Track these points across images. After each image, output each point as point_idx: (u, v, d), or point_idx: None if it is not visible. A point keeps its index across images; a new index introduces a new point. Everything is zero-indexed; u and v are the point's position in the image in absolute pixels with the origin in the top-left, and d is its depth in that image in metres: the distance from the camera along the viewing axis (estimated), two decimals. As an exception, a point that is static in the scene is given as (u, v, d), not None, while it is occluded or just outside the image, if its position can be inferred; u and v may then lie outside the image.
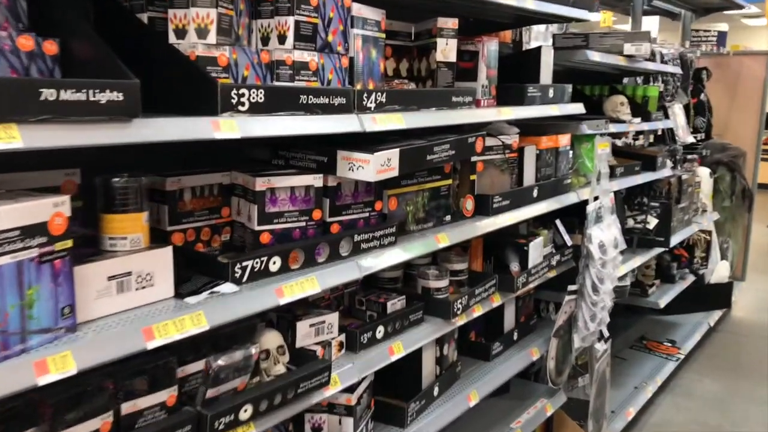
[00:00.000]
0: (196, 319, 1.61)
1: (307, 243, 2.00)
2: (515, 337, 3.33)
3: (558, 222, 3.50)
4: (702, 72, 6.31)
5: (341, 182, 2.17)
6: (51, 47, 1.48)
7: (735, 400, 4.83)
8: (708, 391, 4.97)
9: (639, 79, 5.19)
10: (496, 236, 2.99)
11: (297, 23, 1.87)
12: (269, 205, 1.99)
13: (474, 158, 2.74)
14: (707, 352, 5.67)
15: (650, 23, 7.61)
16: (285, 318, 2.14)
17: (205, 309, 1.64)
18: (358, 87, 2.13)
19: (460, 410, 2.72)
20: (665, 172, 4.75)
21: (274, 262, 1.89)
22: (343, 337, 2.24)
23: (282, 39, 1.87)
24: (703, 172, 5.73)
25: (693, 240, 5.67)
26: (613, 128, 3.90)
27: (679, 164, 5.11)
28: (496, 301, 2.91)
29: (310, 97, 1.85)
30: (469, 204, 2.75)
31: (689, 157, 5.41)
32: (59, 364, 1.34)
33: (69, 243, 1.43)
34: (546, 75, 3.18)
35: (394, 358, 2.32)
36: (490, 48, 2.78)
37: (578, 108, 3.36)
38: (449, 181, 2.63)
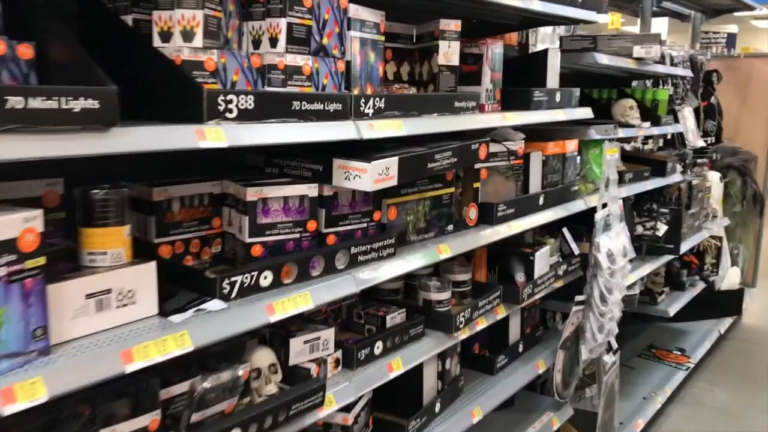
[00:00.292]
0: (179, 339, 1.52)
1: (300, 256, 1.91)
2: (520, 349, 3.23)
3: (565, 230, 3.41)
4: (712, 74, 6.21)
5: (338, 191, 2.08)
6: (26, 51, 1.39)
7: (747, 410, 4.73)
8: (719, 401, 4.86)
9: (648, 82, 5.09)
10: (501, 245, 2.89)
11: (289, 25, 1.78)
12: (261, 216, 1.90)
13: (477, 165, 2.64)
14: (718, 361, 5.57)
15: (659, 25, 7.51)
16: (278, 334, 2.04)
17: (190, 328, 1.55)
18: (356, 92, 2.04)
19: (463, 427, 2.62)
20: (675, 178, 4.66)
21: (265, 277, 1.80)
22: (339, 354, 2.15)
23: (274, 42, 1.78)
24: (714, 177, 5.62)
25: (703, 246, 5.56)
26: (622, 133, 3.82)
27: (688, 169, 5.02)
28: (501, 313, 2.81)
29: (303, 103, 1.76)
30: (472, 213, 2.65)
31: (699, 161, 5.31)
32: (28, 391, 1.25)
33: (41, 260, 1.33)
34: (553, 78, 3.08)
35: (393, 375, 2.23)
36: (494, 51, 2.69)
37: (586, 112, 3.26)
38: (451, 189, 2.53)
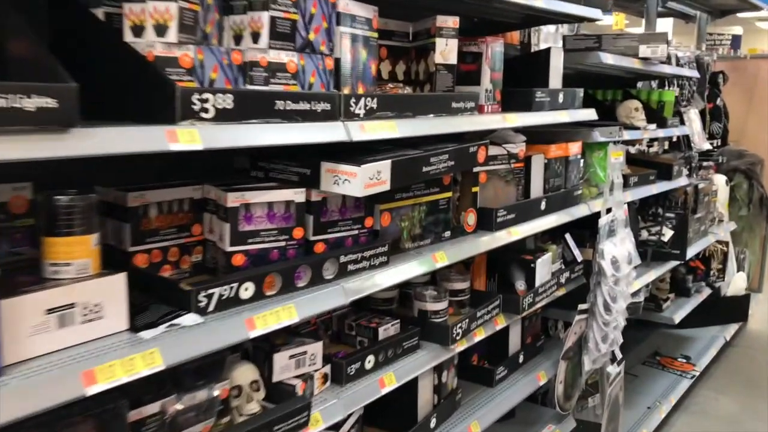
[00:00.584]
0: (149, 357, 1.40)
1: (285, 266, 1.79)
2: (521, 359, 3.11)
3: (568, 236, 3.31)
4: (718, 76, 6.11)
5: (327, 196, 1.96)
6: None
7: (753, 419, 4.63)
8: (725, 410, 4.77)
9: (654, 83, 4.98)
10: (501, 252, 2.78)
11: (272, 19, 1.66)
12: (243, 223, 1.78)
13: (476, 169, 2.53)
14: (723, 369, 5.48)
15: (664, 26, 7.39)
16: (261, 348, 1.92)
17: (161, 345, 1.43)
18: (346, 91, 1.92)
19: (460, 443, 2.51)
20: (681, 181, 4.56)
21: (246, 289, 1.68)
22: (327, 369, 2.03)
23: (256, 37, 1.66)
24: (719, 180, 5.53)
25: (709, 251, 5.46)
26: (627, 135, 3.73)
27: (694, 172, 4.93)
28: (500, 323, 2.69)
29: (287, 102, 1.64)
30: (470, 218, 2.53)
31: (705, 164, 5.22)
32: (-26, 418, 1.13)
33: (-8, 274, 1.22)
34: (555, 79, 2.97)
35: (385, 391, 2.11)
36: (494, 49, 2.57)
37: (590, 114, 3.16)
38: (449, 194, 2.41)
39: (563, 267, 3.23)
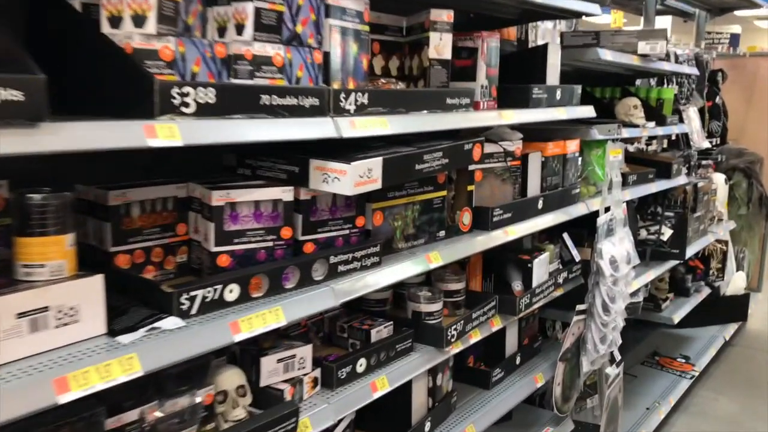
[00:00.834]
0: (126, 363, 1.33)
1: (272, 267, 1.73)
2: (518, 361, 3.05)
3: (565, 235, 3.25)
4: (717, 74, 6.05)
5: (316, 195, 1.90)
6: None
7: (753, 420, 4.59)
8: (724, 410, 4.72)
9: (653, 81, 4.92)
10: (497, 252, 2.72)
11: (257, 11, 1.59)
12: (229, 223, 1.72)
13: (471, 167, 2.47)
14: (723, 368, 5.44)
15: (663, 24, 7.33)
16: (248, 352, 1.86)
17: (140, 350, 1.37)
18: (335, 86, 1.85)
19: (455, 448, 2.45)
20: (680, 180, 4.51)
21: (231, 291, 1.61)
22: (317, 373, 1.96)
23: (240, 29, 1.59)
24: (719, 179, 5.47)
25: (708, 251, 5.41)
26: (626, 133, 3.67)
27: (693, 171, 4.87)
28: (496, 325, 2.63)
29: (273, 96, 1.58)
30: (466, 217, 2.47)
31: (704, 162, 5.16)
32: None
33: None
34: (553, 75, 2.91)
35: (377, 395, 2.04)
36: (490, 44, 2.51)
37: (588, 111, 3.10)
38: (443, 193, 2.35)
39: (561, 267, 3.17)
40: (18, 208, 1.36)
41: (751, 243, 6.74)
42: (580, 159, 3.23)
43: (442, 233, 2.37)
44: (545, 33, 3.64)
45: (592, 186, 3.34)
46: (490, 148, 2.55)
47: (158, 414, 1.41)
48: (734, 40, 8.05)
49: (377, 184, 1.85)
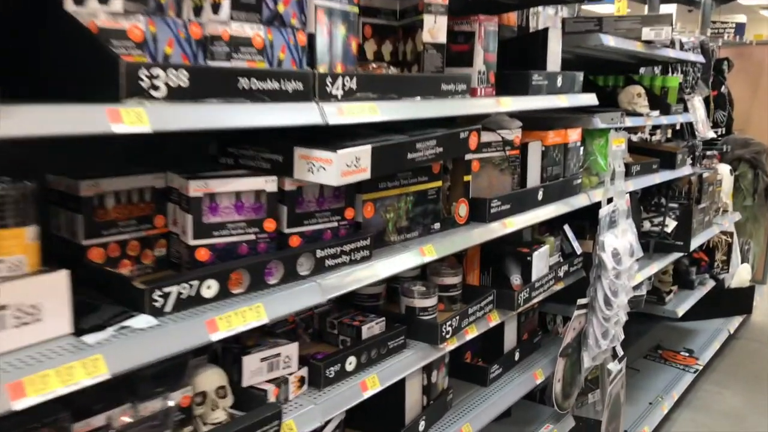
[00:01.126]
0: (91, 365, 1.24)
1: (253, 261, 1.63)
2: (517, 357, 2.96)
3: (566, 227, 3.17)
4: (723, 63, 5.94)
5: (302, 185, 1.80)
6: None
7: (757, 415, 4.52)
8: (728, 405, 4.66)
9: (657, 69, 4.81)
10: (495, 245, 2.62)
11: (235, -12, 1.50)
12: (208, 215, 1.62)
13: (468, 156, 2.37)
14: (727, 362, 5.39)
15: (667, 12, 7.22)
16: (230, 350, 1.77)
17: (106, 351, 1.28)
18: (321, 70, 1.75)
19: (451, 448, 2.36)
20: (685, 170, 4.42)
21: (209, 287, 1.52)
22: (304, 372, 1.87)
23: (216, 8, 1.49)
24: (724, 170, 5.38)
25: (713, 243, 5.31)
26: (630, 122, 3.57)
27: (698, 161, 4.78)
28: (494, 320, 2.54)
29: (252, 80, 1.48)
30: (462, 209, 2.38)
31: (708, 153, 5.06)
32: None
33: None
34: (554, 61, 2.81)
35: (367, 395, 1.95)
36: (488, 28, 2.41)
37: (590, 99, 3.00)
38: (438, 183, 2.26)
39: (561, 260, 3.09)
40: (-26, 200, 1.27)
41: (756, 235, 6.65)
42: (581, 148, 3.15)
43: (437, 225, 2.27)
44: (546, 20, 3.54)
45: (594, 176, 3.25)
46: (487, 136, 2.45)
47: (126, 419, 1.32)
48: (740, 29, 7.97)
49: (366, 174, 1.75)
